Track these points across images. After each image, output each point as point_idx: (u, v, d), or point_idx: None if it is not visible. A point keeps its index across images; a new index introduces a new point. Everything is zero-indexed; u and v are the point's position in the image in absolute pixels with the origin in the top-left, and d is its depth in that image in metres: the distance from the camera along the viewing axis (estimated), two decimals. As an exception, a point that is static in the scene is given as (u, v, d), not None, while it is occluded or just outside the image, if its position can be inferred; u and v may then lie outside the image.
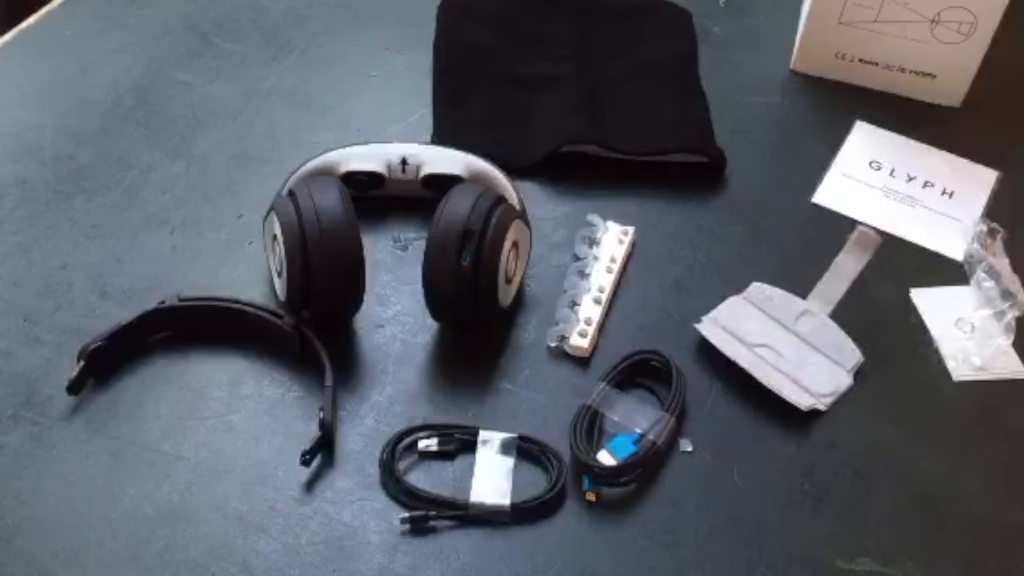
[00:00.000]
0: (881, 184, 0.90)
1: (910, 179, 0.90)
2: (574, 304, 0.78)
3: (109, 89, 0.95)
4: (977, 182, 0.92)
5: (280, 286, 0.74)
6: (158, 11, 1.03)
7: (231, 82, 0.96)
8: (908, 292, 0.82)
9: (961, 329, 0.79)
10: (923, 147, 0.94)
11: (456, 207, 0.72)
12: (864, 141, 0.95)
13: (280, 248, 0.72)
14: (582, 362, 0.76)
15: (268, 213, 0.74)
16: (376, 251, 0.82)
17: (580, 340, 0.76)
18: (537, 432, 0.71)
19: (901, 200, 0.89)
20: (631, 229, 0.84)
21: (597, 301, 0.79)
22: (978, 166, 0.93)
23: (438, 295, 0.73)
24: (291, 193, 0.74)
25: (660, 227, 0.86)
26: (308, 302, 0.73)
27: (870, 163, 0.92)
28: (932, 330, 0.80)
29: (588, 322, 0.77)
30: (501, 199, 0.75)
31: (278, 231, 0.72)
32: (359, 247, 0.72)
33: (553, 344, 0.77)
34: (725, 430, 0.73)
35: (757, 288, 0.80)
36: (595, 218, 0.84)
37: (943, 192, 0.90)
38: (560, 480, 0.69)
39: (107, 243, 0.82)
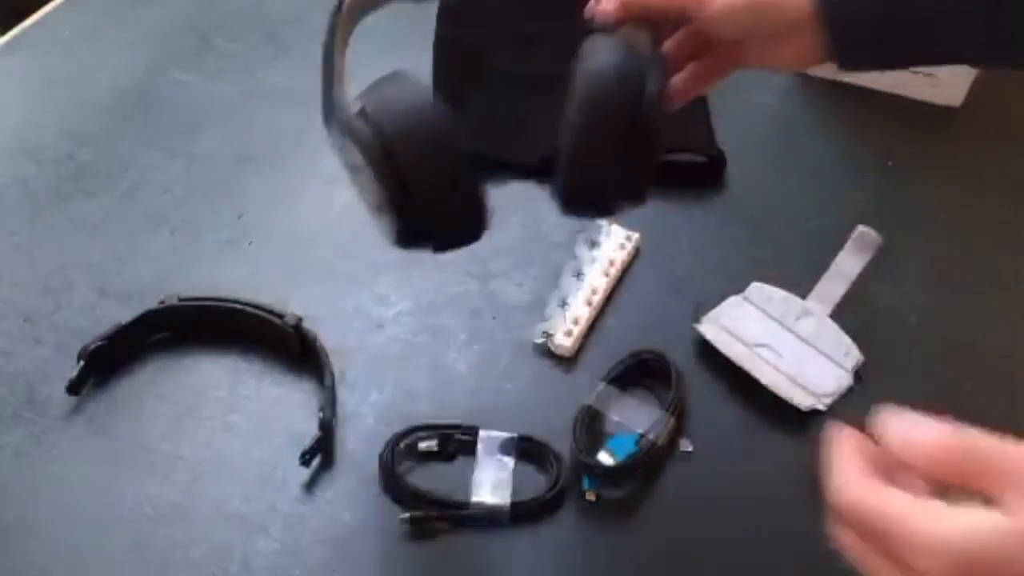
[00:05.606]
0: None
1: None
2: (564, 303, 0.78)
3: (109, 89, 0.95)
4: None
5: (384, 222, 0.59)
6: (158, 11, 1.03)
7: (231, 82, 0.96)
8: (908, 292, 0.82)
9: None
10: None
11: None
12: None
13: (367, 174, 0.57)
14: (582, 362, 0.76)
15: (342, 140, 0.59)
16: (376, 251, 0.82)
17: (565, 339, 0.76)
18: (537, 432, 0.71)
19: None
20: (636, 235, 0.84)
21: (589, 302, 0.79)
22: None
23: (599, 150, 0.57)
24: (362, 110, 0.58)
25: (660, 227, 0.86)
26: (417, 226, 0.58)
27: None
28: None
29: (576, 322, 0.77)
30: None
31: (359, 158, 0.57)
32: (456, 138, 0.57)
33: (538, 341, 0.76)
34: (725, 430, 0.73)
35: (757, 288, 0.80)
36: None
37: None
38: (560, 480, 0.69)
39: (107, 243, 0.82)
